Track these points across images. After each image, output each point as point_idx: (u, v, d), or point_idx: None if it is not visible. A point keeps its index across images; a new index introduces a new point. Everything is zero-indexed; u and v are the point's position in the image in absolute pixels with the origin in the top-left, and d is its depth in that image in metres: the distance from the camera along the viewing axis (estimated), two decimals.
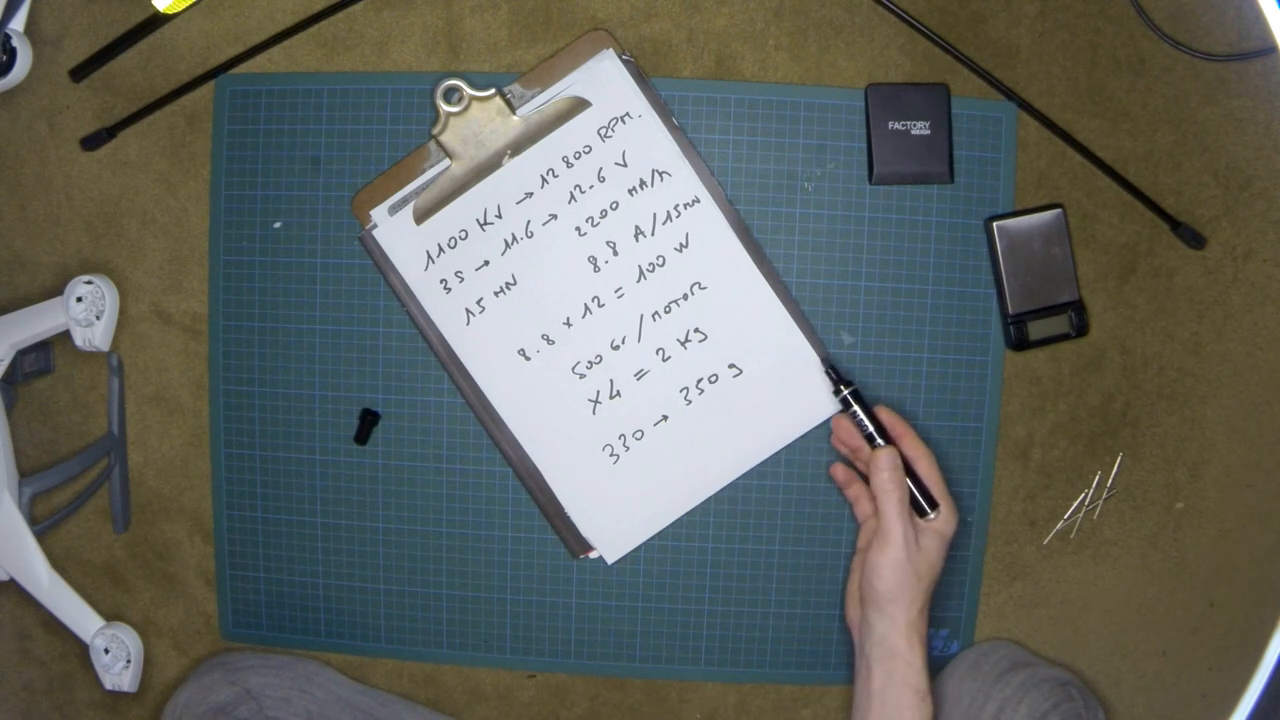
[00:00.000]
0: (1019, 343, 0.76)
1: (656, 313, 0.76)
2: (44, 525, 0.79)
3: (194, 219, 0.80)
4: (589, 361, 0.76)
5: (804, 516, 0.78)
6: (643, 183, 0.75)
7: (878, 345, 0.77)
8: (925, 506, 0.68)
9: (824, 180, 0.76)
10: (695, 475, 0.77)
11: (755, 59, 0.76)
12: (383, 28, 0.77)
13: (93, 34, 0.79)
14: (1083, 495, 0.78)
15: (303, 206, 0.78)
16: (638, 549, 0.79)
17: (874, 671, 0.66)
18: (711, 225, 0.75)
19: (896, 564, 0.65)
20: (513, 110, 0.75)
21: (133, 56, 0.79)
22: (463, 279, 0.76)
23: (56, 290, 0.79)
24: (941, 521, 0.68)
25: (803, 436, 0.77)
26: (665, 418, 0.76)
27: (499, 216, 0.75)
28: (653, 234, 0.75)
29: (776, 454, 0.77)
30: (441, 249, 0.76)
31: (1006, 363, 0.77)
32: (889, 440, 0.70)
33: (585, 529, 0.78)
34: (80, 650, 0.82)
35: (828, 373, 0.73)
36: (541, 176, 0.75)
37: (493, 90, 0.74)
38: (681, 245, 0.75)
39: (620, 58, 0.75)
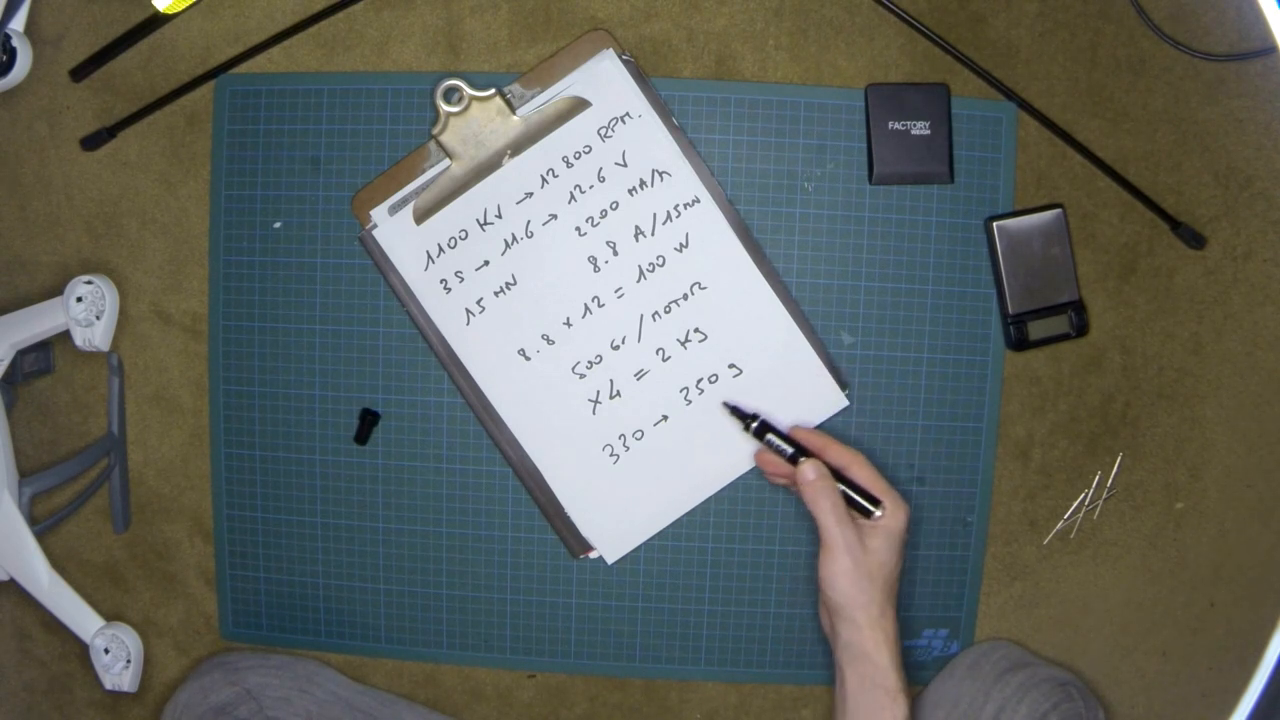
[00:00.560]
0: (1019, 343, 0.76)
1: (656, 313, 0.76)
2: (44, 525, 0.79)
3: (194, 219, 0.80)
4: (589, 361, 0.76)
5: (804, 516, 0.78)
6: (643, 183, 0.75)
7: (878, 345, 0.77)
8: (868, 506, 0.68)
9: (824, 180, 0.77)
10: (695, 475, 0.77)
11: (755, 59, 0.76)
12: (383, 28, 0.77)
13: (93, 34, 0.79)
14: (1083, 495, 0.78)
15: (303, 206, 0.78)
16: (638, 549, 0.79)
17: (846, 675, 0.66)
18: (711, 225, 0.75)
19: (844, 571, 0.65)
20: (513, 110, 0.75)
21: (133, 56, 0.79)
22: (463, 279, 0.76)
23: (56, 290, 0.79)
24: (888, 518, 0.68)
25: None
26: (665, 418, 0.76)
27: (499, 216, 0.75)
28: (653, 234, 0.75)
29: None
30: (441, 249, 0.76)
31: (1006, 363, 0.77)
32: (810, 456, 0.70)
33: (585, 529, 0.78)
34: (80, 650, 0.82)
35: (732, 412, 0.74)
36: (541, 176, 0.75)
37: (493, 90, 0.74)
38: (681, 245, 0.75)
39: (620, 58, 0.75)
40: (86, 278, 0.78)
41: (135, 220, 0.80)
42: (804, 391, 0.76)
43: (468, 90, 0.74)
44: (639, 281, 0.75)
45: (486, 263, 0.76)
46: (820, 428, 0.76)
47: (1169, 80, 0.76)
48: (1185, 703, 0.79)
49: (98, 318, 0.78)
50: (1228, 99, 0.76)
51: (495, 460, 0.79)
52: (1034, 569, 0.79)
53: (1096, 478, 0.78)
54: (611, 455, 0.77)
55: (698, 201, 0.75)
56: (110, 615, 0.83)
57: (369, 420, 0.78)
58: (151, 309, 0.81)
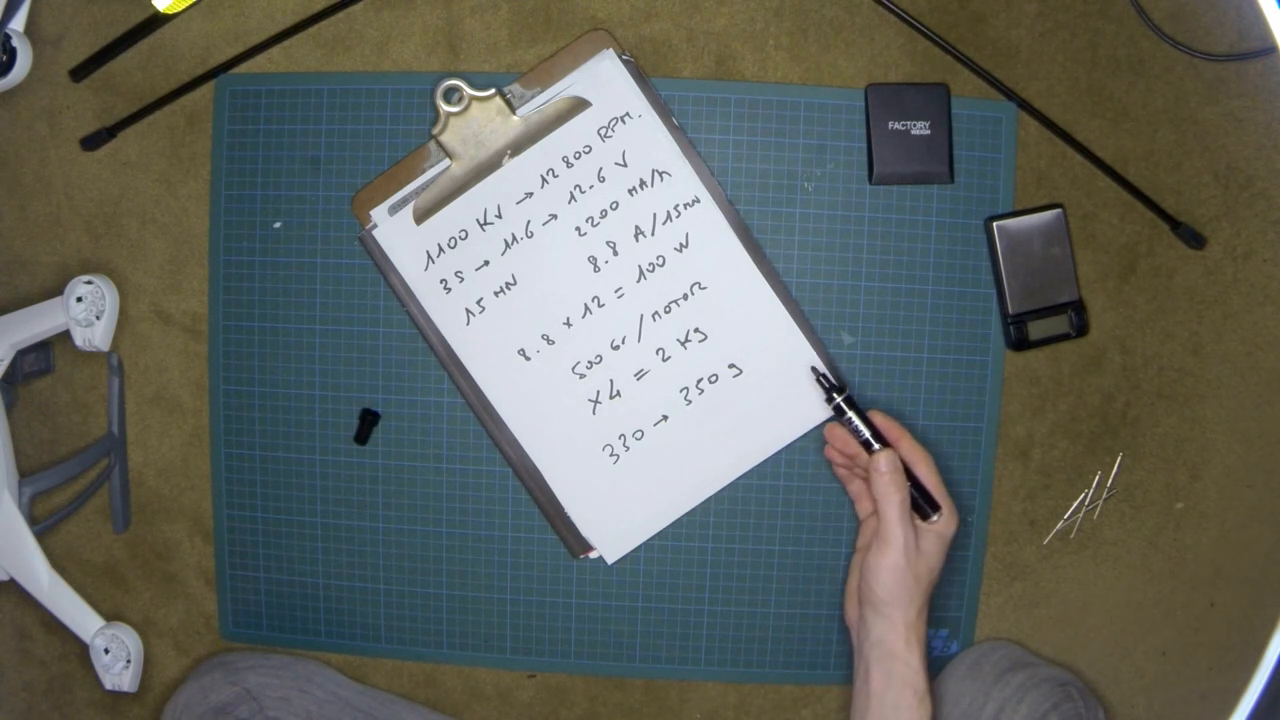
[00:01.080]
0: (1019, 343, 0.76)
1: (656, 313, 0.76)
2: (44, 525, 0.79)
3: (194, 219, 0.80)
4: (589, 361, 0.76)
5: (804, 516, 0.78)
6: (643, 183, 0.75)
7: (878, 345, 0.77)
8: (927, 509, 0.68)
9: (824, 180, 0.77)
10: (695, 475, 0.77)
11: (755, 59, 0.76)
12: (383, 28, 0.77)
13: (93, 34, 0.79)
14: (1083, 495, 0.78)
15: (303, 206, 0.78)
16: (638, 549, 0.79)
17: (873, 672, 0.66)
18: (711, 225, 0.75)
19: (895, 568, 0.65)
20: (513, 110, 0.75)
21: (133, 56, 0.79)
22: (463, 279, 0.76)
23: (56, 290, 0.79)
24: (942, 523, 0.68)
25: (803, 436, 0.77)
26: (665, 418, 0.76)
27: (499, 216, 0.75)
28: (653, 234, 0.75)
29: (776, 454, 0.77)
30: (441, 249, 0.76)
31: (1006, 363, 0.77)
32: (885, 445, 0.69)
33: (585, 529, 0.78)
34: (80, 650, 0.82)
35: (819, 380, 0.73)
36: (541, 176, 0.75)
37: (493, 90, 0.74)
38: (681, 245, 0.75)
39: (620, 58, 0.75)
40: (86, 278, 0.78)
41: (135, 220, 0.80)
42: (804, 391, 0.76)
43: (468, 90, 0.74)
44: (639, 281, 0.75)
45: (486, 263, 0.76)
46: (821, 427, 0.76)
47: (1169, 80, 0.76)
48: (1185, 703, 0.79)
49: (98, 318, 0.78)
50: (1228, 99, 0.76)
51: (495, 460, 0.79)
52: (1034, 569, 0.79)
53: (1096, 478, 0.78)
54: (611, 455, 0.77)
55: (698, 201, 0.75)
56: (110, 615, 0.83)
57: (369, 420, 0.78)
58: (151, 309, 0.81)
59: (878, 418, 0.70)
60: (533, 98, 0.75)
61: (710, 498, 0.78)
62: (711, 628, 0.80)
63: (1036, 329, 0.75)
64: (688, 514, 0.78)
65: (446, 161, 0.76)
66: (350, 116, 0.78)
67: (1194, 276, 0.77)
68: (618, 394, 0.76)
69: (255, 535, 0.81)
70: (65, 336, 0.79)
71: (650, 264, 0.75)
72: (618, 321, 0.76)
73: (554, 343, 0.76)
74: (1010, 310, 0.75)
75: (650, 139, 0.74)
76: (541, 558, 0.79)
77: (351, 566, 0.81)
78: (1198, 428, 0.78)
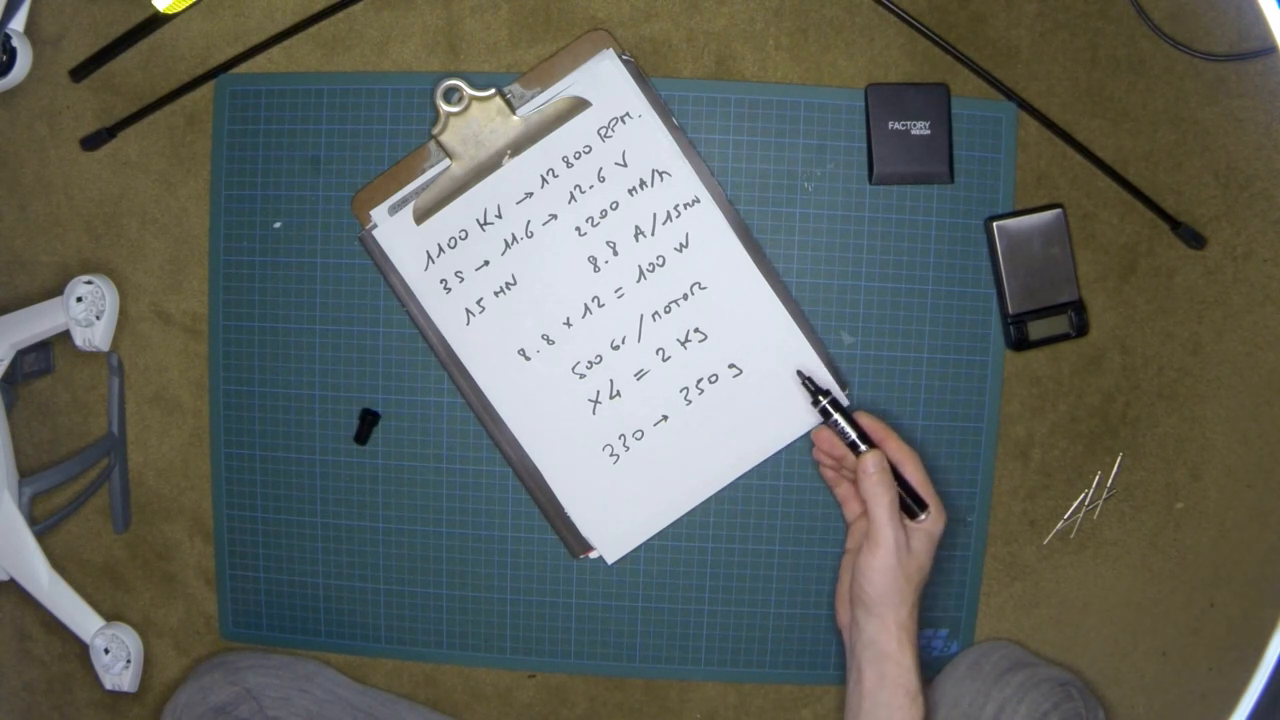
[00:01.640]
0: (1019, 343, 0.76)
1: (656, 313, 0.76)
2: (44, 525, 0.79)
3: (194, 219, 0.80)
4: (589, 361, 0.76)
5: (804, 516, 0.78)
6: (643, 183, 0.75)
7: (878, 345, 0.77)
8: (915, 508, 0.68)
9: (824, 180, 0.77)
10: (695, 475, 0.77)
11: (755, 59, 0.76)
12: (383, 28, 0.77)
13: (93, 34, 0.79)
14: (1083, 495, 0.78)
15: (303, 206, 0.78)
16: (638, 549, 0.79)
17: (865, 673, 0.66)
18: (711, 225, 0.75)
19: (887, 568, 0.65)
20: (513, 110, 0.75)
21: (133, 56, 0.79)
22: (463, 279, 0.76)
23: (56, 290, 0.79)
24: (931, 522, 0.68)
25: (803, 437, 0.77)
26: (665, 418, 0.76)
27: (499, 216, 0.75)
28: (653, 234, 0.75)
29: (776, 454, 0.77)
30: (441, 249, 0.76)
31: (1006, 363, 0.77)
32: (872, 446, 0.69)
33: (585, 529, 0.78)
34: (80, 650, 0.82)
35: (805, 384, 0.73)
36: (541, 176, 0.75)
37: (493, 90, 0.74)
38: (681, 245, 0.75)
39: (620, 58, 0.75)
40: (86, 278, 0.78)
41: (135, 220, 0.80)
42: (804, 391, 0.76)
43: (468, 90, 0.74)
44: (639, 281, 0.75)
45: (486, 263, 0.76)
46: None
47: (1169, 80, 0.76)
48: (1185, 703, 0.79)
49: (98, 318, 0.78)
50: (1228, 99, 0.76)
51: (495, 460, 0.79)
52: (1034, 569, 0.79)
53: (1096, 478, 0.78)
54: (611, 455, 0.77)
55: (698, 201, 0.75)
56: (110, 615, 0.83)
57: (369, 420, 0.78)
58: (151, 309, 0.81)
59: (864, 419, 0.71)
60: (533, 98, 0.75)
61: (710, 498, 0.78)
62: (711, 628, 0.80)
63: (1036, 329, 0.75)
64: (688, 514, 0.78)
65: (446, 161, 0.76)
66: (350, 116, 0.78)
67: (1194, 276, 0.77)
68: (618, 394, 0.76)
69: (255, 535, 0.81)
70: (65, 336, 0.79)
71: (650, 264, 0.75)
72: (618, 321, 0.76)
73: (554, 343, 0.76)
74: (1010, 310, 0.75)
75: (650, 139, 0.74)
76: (541, 558, 0.80)
77: (351, 566, 0.81)
78: (1198, 428, 0.78)
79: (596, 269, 0.75)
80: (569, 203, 0.75)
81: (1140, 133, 0.76)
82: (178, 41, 0.78)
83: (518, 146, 0.75)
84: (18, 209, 0.81)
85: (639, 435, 0.77)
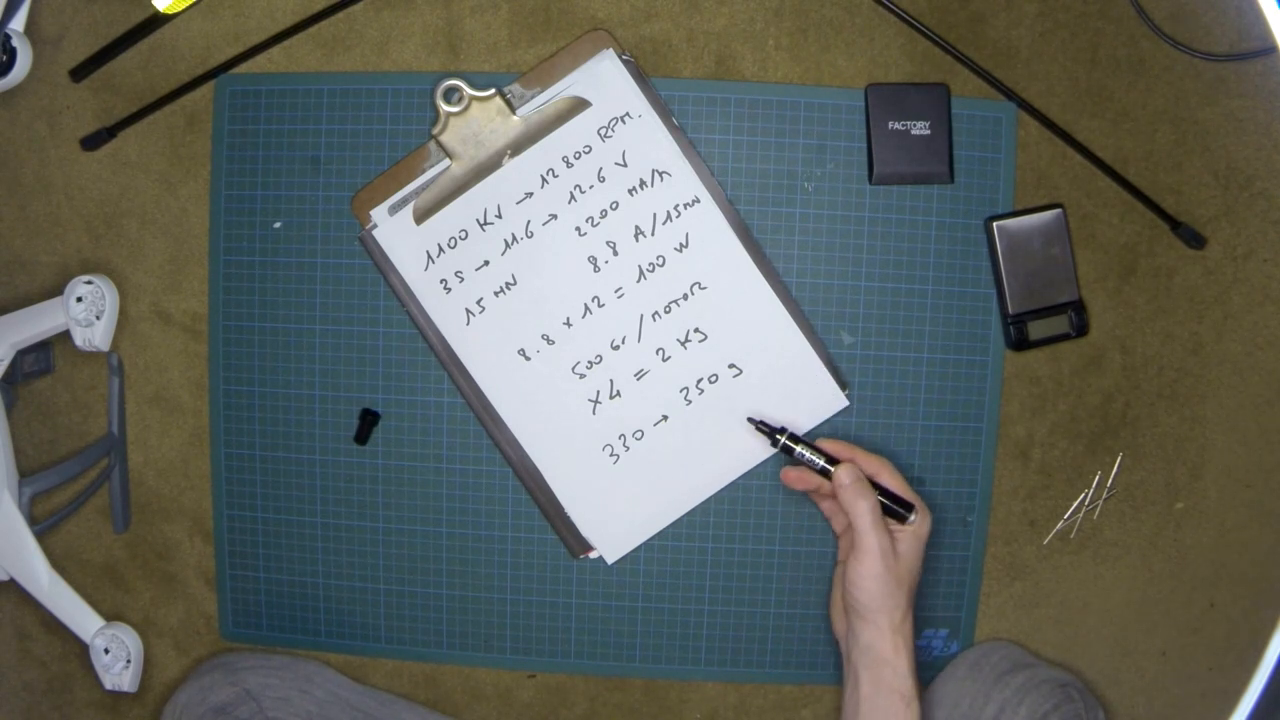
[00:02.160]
0: (1019, 343, 0.76)
1: (656, 313, 0.76)
2: (44, 525, 0.79)
3: (194, 219, 0.80)
4: (589, 361, 0.76)
5: (804, 516, 0.78)
6: (643, 183, 0.75)
7: (878, 345, 0.77)
8: (902, 512, 0.68)
9: (824, 180, 0.77)
10: (695, 475, 0.77)
11: (755, 59, 0.76)
12: (383, 28, 0.77)
13: (93, 34, 0.79)
14: (1083, 495, 0.78)
15: (303, 206, 0.78)
16: (638, 549, 0.79)
17: (861, 679, 0.66)
18: (711, 225, 0.75)
19: (876, 574, 0.66)
20: (513, 110, 0.75)
21: (133, 56, 0.79)
22: (463, 279, 0.76)
23: (56, 290, 0.79)
24: (917, 524, 0.68)
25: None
26: (665, 418, 0.76)
27: (499, 216, 0.75)
28: (653, 234, 0.75)
29: (777, 454, 0.77)
30: (441, 249, 0.76)
31: (1006, 363, 0.77)
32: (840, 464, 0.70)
33: (585, 529, 0.78)
34: (80, 650, 0.82)
35: (759, 427, 0.73)
36: (541, 176, 0.75)
37: (493, 90, 0.74)
38: (681, 245, 0.75)
39: (620, 58, 0.75)
40: (86, 278, 0.78)
41: (135, 220, 0.80)
42: (804, 391, 0.76)
43: (468, 90, 0.74)
44: (639, 281, 0.75)
45: (486, 263, 0.76)
46: (821, 427, 0.76)
47: (1169, 80, 0.76)
48: (1185, 703, 0.79)
49: (98, 318, 0.78)
50: (1228, 99, 0.76)
51: (495, 460, 0.79)
52: (1034, 569, 0.79)
53: (1096, 478, 0.78)
54: (611, 455, 0.77)
55: (698, 201, 0.75)
56: (110, 615, 0.83)
57: (369, 420, 0.78)
58: (151, 309, 0.81)
59: (826, 444, 0.72)
60: (533, 98, 0.75)
61: (710, 498, 0.78)
62: (711, 628, 0.80)
63: (1036, 329, 0.75)
64: (688, 514, 0.78)
65: (446, 161, 0.76)
66: (350, 116, 0.78)
67: (1194, 276, 0.77)
68: (618, 394, 0.76)
69: (255, 535, 0.81)
70: (65, 336, 0.79)
71: (650, 264, 0.75)
72: (618, 321, 0.76)
73: (554, 343, 0.76)
74: (1010, 310, 0.75)
75: (650, 139, 0.74)
76: (541, 558, 0.80)
77: (351, 566, 0.81)
78: (1198, 428, 0.78)
79: (596, 269, 0.75)
80: (569, 203, 0.75)
81: (1140, 133, 0.76)
82: (178, 41, 0.78)
83: (518, 146, 0.75)
84: (18, 209, 0.81)
85: (639, 435, 0.77)
